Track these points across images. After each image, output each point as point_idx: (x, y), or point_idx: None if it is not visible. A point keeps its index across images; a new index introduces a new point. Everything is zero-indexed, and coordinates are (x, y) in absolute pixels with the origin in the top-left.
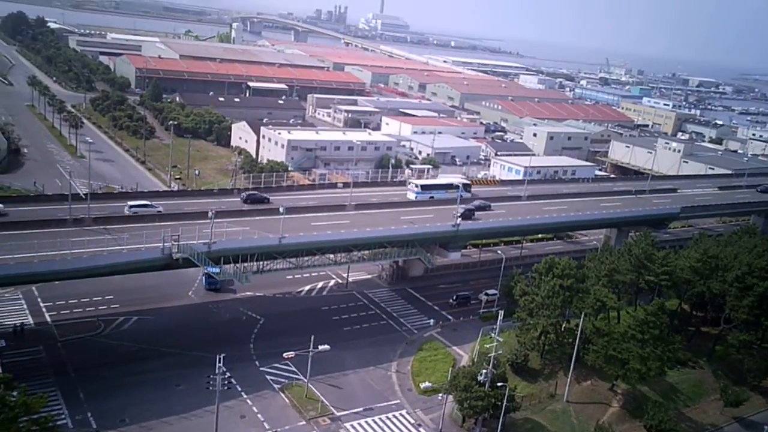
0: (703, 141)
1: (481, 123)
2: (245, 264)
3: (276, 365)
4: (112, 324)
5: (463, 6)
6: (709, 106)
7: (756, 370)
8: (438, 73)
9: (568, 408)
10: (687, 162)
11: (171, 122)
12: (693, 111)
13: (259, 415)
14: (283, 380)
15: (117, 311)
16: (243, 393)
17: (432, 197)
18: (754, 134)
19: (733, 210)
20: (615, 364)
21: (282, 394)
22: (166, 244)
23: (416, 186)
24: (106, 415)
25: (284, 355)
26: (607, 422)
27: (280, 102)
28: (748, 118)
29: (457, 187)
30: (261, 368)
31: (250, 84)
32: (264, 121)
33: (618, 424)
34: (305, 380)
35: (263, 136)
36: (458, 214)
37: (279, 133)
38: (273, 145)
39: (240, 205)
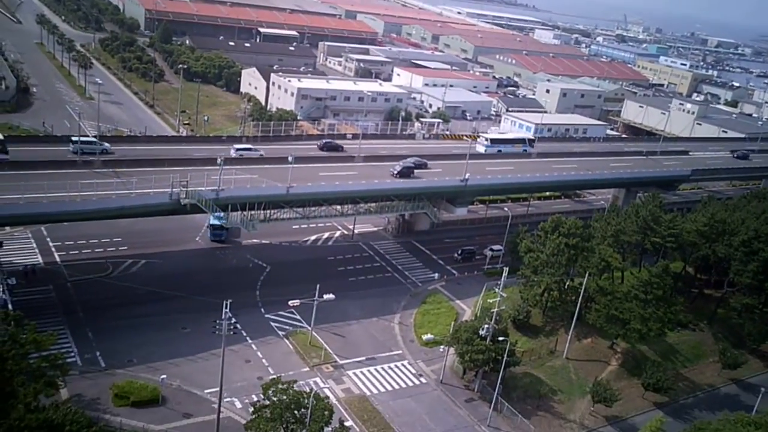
0: (719, 103)
1: (494, 77)
2: (252, 212)
3: (281, 312)
4: (121, 266)
5: None
6: (727, 68)
7: (756, 334)
8: (452, 24)
9: (568, 364)
10: (700, 124)
11: (180, 66)
12: (710, 72)
13: (263, 360)
14: (287, 327)
15: (126, 254)
16: (248, 338)
17: (500, 151)
18: None
19: (745, 174)
20: (616, 324)
21: (286, 341)
22: (174, 189)
23: (486, 140)
24: (115, 355)
25: (289, 303)
26: (605, 379)
27: (291, 49)
28: (766, 80)
29: (524, 141)
30: (266, 315)
31: (261, 30)
32: (274, 67)
33: (616, 381)
34: (309, 328)
35: (273, 83)
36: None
37: (289, 81)
38: (283, 92)
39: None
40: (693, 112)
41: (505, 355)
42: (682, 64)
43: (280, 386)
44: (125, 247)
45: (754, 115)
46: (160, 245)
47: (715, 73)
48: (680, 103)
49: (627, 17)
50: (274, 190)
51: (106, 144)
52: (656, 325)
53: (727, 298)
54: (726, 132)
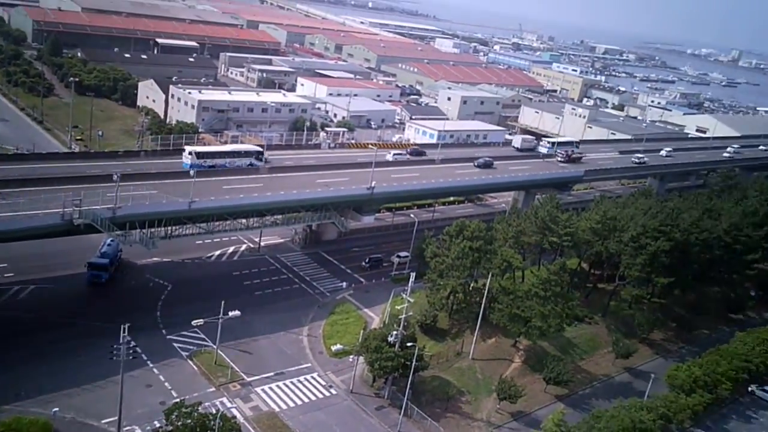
0: (607, 107)
1: (397, 86)
2: (152, 229)
3: (184, 333)
4: (7, 294)
5: None
6: (614, 73)
7: (645, 323)
8: (355, 34)
9: (474, 365)
10: (591, 127)
11: (72, 79)
12: (599, 77)
13: (166, 384)
14: (191, 348)
15: (12, 280)
16: (149, 362)
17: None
18: (652, 101)
19: (632, 173)
20: (518, 322)
21: (190, 362)
22: (66, 209)
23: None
24: (0, 390)
25: (192, 322)
26: (509, 376)
27: (191, 60)
28: (648, 85)
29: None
30: (168, 336)
31: (159, 41)
32: (173, 79)
33: (520, 378)
34: (215, 347)
35: (172, 96)
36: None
37: (189, 93)
38: (183, 105)
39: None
40: (584, 116)
41: (414, 361)
42: (573, 70)
43: (183, 410)
44: (11, 273)
45: (639, 117)
46: (51, 269)
47: (603, 78)
48: (572, 108)
49: (522, 26)
50: (175, 205)
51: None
52: (555, 320)
53: (618, 291)
54: (614, 134)
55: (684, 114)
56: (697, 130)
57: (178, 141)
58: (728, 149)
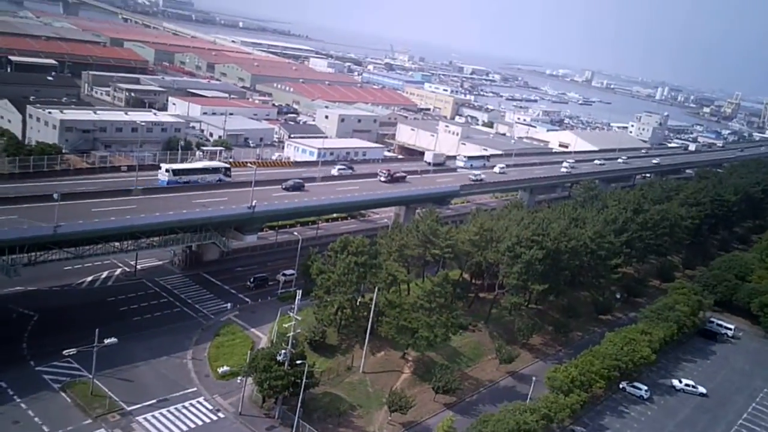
0: (477, 124)
1: (274, 105)
2: (13, 256)
3: (55, 364)
4: None
5: None
6: (482, 92)
7: (524, 329)
8: (227, 53)
9: (365, 378)
10: (464, 144)
11: None
12: (468, 96)
13: (36, 419)
14: (64, 379)
15: None
16: (16, 397)
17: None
18: (518, 118)
19: (504, 187)
20: (406, 334)
21: (63, 394)
22: None
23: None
24: None
25: (64, 352)
26: (399, 388)
27: (50, 79)
28: (514, 104)
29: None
30: (37, 368)
31: (12, 58)
32: (31, 99)
33: (410, 388)
34: (90, 376)
35: (30, 116)
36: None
37: (50, 113)
38: (42, 125)
39: None
40: (457, 133)
41: (304, 378)
42: (444, 89)
43: None
44: None
45: (507, 134)
46: None
47: (473, 97)
48: (446, 125)
49: (393, 47)
50: (38, 230)
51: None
52: (441, 330)
53: (498, 299)
54: (486, 149)
55: (547, 130)
56: (560, 145)
57: (39, 163)
58: (595, 161)
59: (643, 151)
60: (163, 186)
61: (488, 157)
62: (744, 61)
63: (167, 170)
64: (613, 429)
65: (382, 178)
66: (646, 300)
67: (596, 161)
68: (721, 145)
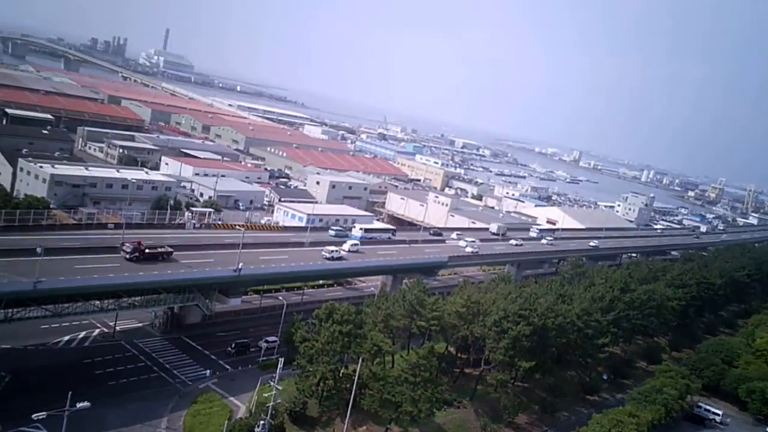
0: (467, 196)
1: (266, 168)
2: None
3: (23, 429)
4: None
5: (249, 52)
6: (471, 166)
7: (510, 407)
8: (223, 116)
9: None
10: (453, 215)
11: None
12: (458, 169)
13: None
14: None
15: None
16: None
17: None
18: (507, 193)
19: (492, 260)
20: (389, 408)
21: None
22: None
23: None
24: None
25: (33, 416)
26: None
27: (45, 132)
28: (503, 178)
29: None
30: None
31: (8, 111)
32: (24, 152)
33: None
34: None
35: (21, 169)
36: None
37: (41, 167)
38: (32, 178)
39: None
40: (446, 204)
41: None
42: (434, 162)
43: None
44: None
45: (496, 207)
46: None
47: (462, 170)
48: (435, 196)
49: (387, 118)
50: (17, 285)
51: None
52: (426, 405)
53: (484, 375)
54: (474, 222)
55: (535, 206)
56: (547, 221)
57: (25, 216)
58: (591, 242)
59: (658, 230)
60: (356, 239)
61: (555, 230)
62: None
63: (361, 228)
64: None
65: (127, 255)
66: (633, 381)
67: (591, 243)
68: (704, 230)
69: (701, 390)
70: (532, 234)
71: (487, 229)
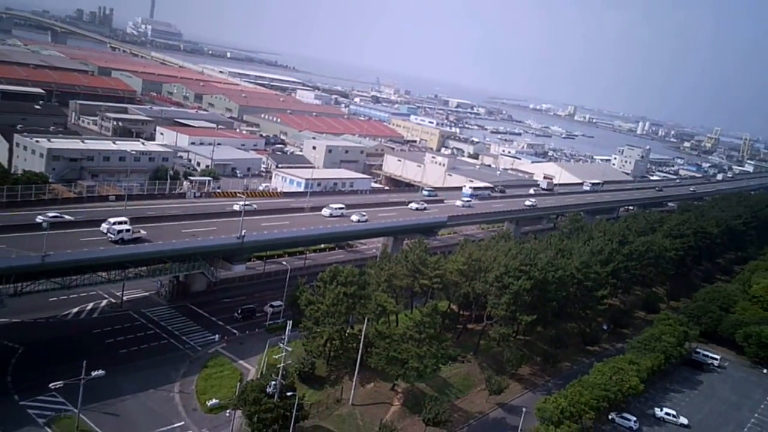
0: (463, 156)
1: (261, 135)
2: (0, 287)
3: (40, 398)
4: None
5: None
6: (467, 125)
7: (513, 359)
8: (215, 83)
9: (354, 411)
10: (451, 175)
11: None
12: (453, 129)
13: None
14: (49, 413)
15: None
16: None
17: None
18: (503, 151)
19: (490, 218)
20: (396, 365)
21: (48, 429)
22: None
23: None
24: None
25: (50, 385)
26: (389, 420)
27: (37, 107)
28: (498, 136)
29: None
30: (21, 402)
31: None
32: (18, 127)
33: (399, 421)
34: (76, 411)
35: (17, 144)
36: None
37: (37, 141)
38: (30, 154)
39: None
40: (444, 164)
41: (294, 410)
42: (429, 122)
43: None
44: None
45: (492, 165)
46: None
47: (458, 130)
48: (433, 157)
49: (379, 80)
50: (26, 259)
51: None
52: (431, 361)
53: (487, 330)
54: (473, 181)
55: (532, 162)
56: (544, 177)
57: (27, 192)
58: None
59: (677, 180)
60: (467, 197)
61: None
62: (723, 97)
63: (470, 188)
64: None
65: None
66: (632, 331)
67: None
68: (720, 178)
69: (699, 336)
70: (585, 188)
71: (537, 185)
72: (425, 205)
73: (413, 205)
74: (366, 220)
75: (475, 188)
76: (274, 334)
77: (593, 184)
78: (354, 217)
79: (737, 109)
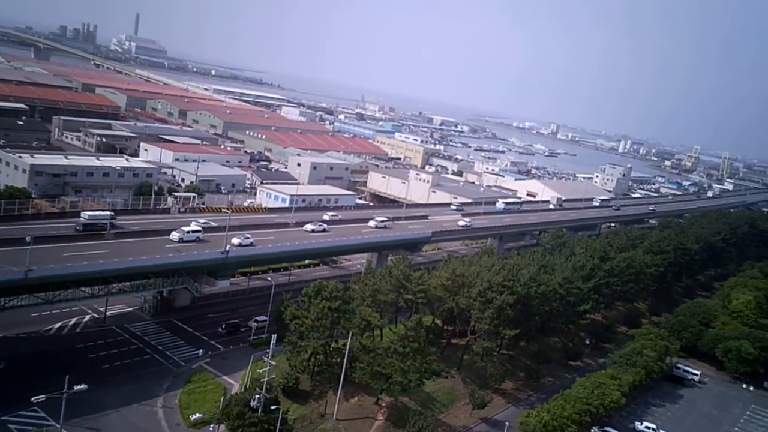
0: (447, 173)
1: (246, 152)
2: None
3: (22, 413)
4: None
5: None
6: (451, 143)
7: (496, 374)
8: (199, 100)
9: (338, 425)
10: (435, 192)
11: None
12: (438, 146)
13: None
14: (31, 428)
15: None
16: None
17: None
18: (487, 168)
19: (474, 234)
20: (380, 379)
21: None
22: None
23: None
24: None
25: (32, 399)
26: None
27: (20, 123)
28: (482, 154)
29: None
30: (3, 417)
31: None
32: (1, 143)
33: None
34: (58, 426)
35: (0, 161)
36: None
37: (20, 157)
38: (12, 169)
39: None
40: (428, 181)
41: (278, 425)
42: (414, 139)
43: None
44: None
45: (476, 182)
46: None
47: (442, 147)
48: (417, 174)
49: (364, 97)
50: (8, 274)
51: None
52: (415, 375)
53: (470, 344)
54: (456, 197)
55: (515, 180)
56: (527, 194)
57: (9, 207)
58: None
59: (670, 197)
60: (500, 210)
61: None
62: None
63: (504, 202)
64: None
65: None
66: (614, 346)
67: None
68: (710, 195)
69: (680, 351)
70: (595, 204)
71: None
72: (385, 224)
73: (372, 224)
74: (384, 227)
75: (507, 203)
76: (258, 349)
77: (602, 200)
78: (307, 227)
79: (717, 130)
